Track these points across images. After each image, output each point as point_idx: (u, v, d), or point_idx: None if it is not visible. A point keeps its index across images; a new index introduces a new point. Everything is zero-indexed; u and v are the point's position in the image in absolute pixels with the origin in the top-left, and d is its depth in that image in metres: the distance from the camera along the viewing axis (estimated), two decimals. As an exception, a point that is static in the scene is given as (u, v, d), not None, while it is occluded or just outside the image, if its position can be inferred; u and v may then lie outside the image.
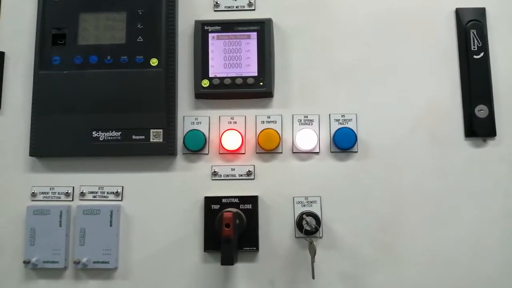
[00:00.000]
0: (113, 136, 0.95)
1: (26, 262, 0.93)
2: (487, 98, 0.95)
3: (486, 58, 0.96)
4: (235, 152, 0.97)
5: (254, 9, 1.01)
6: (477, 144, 0.96)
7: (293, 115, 0.97)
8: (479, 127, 0.94)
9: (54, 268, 0.94)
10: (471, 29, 0.97)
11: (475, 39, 0.97)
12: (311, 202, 0.94)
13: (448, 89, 0.97)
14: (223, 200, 0.94)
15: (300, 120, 0.97)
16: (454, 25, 0.99)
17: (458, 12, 0.99)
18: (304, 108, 0.98)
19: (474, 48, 0.97)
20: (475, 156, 0.95)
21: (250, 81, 0.97)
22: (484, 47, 0.97)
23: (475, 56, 0.96)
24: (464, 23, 0.98)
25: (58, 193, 0.97)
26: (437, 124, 0.96)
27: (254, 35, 0.98)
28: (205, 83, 0.97)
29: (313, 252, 0.89)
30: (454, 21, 0.99)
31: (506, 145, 0.95)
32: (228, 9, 1.01)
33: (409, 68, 0.98)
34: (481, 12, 0.98)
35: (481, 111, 0.95)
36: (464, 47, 0.97)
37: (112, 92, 0.96)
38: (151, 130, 0.95)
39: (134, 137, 0.95)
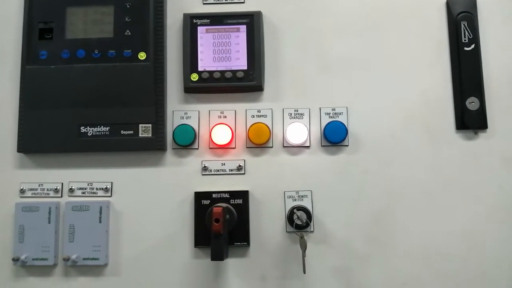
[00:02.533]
0: (101, 131, 0.94)
1: (15, 260, 0.92)
2: (478, 91, 0.95)
3: (477, 50, 0.96)
4: (225, 147, 0.96)
5: (243, 2, 1.00)
6: (468, 137, 0.95)
7: (283, 109, 0.97)
8: (470, 120, 0.94)
9: (44, 265, 0.93)
10: (462, 21, 0.96)
11: (466, 31, 0.96)
12: (302, 196, 0.93)
13: (439, 81, 0.96)
14: (214, 195, 0.93)
15: (291, 114, 0.96)
16: (445, 17, 0.98)
17: (449, 4, 0.98)
18: (294, 102, 0.97)
19: (465, 40, 0.96)
20: (466, 149, 0.94)
21: (240, 74, 0.96)
22: (475, 39, 0.96)
23: (466, 48, 0.96)
24: (455, 15, 0.97)
25: (47, 189, 0.96)
26: (428, 117, 0.95)
27: (243, 28, 0.97)
28: (194, 77, 0.96)
29: (304, 247, 0.88)
30: (445, 13, 0.98)
31: (497, 138, 0.95)
32: (217, 2, 1.00)
33: (400, 60, 0.97)
34: (472, 3, 0.98)
35: (472, 103, 0.94)
36: (455, 39, 0.96)
37: (100, 87, 0.95)
38: (140, 125, 0.94)
39: (122, 132, 0.94)
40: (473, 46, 0.95)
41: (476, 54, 0.95)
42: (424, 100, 0.96)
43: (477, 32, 0.96)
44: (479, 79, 0.95)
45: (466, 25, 0.96)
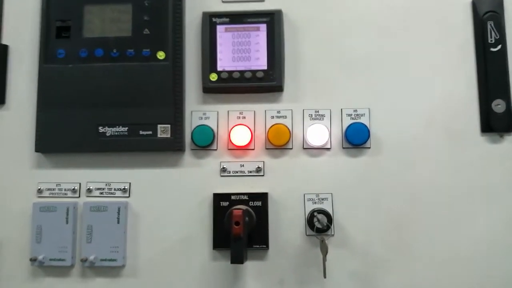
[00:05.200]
0: (120, 132, 0.93)
1: (33, 260, 0.91)
2: (505, 92, 0.92)
3: (503, 50, 0.93)
4: (244, 148, 0.94)
5: (263, 0, 0.98)
6: (493, 140, 0.93)
7: (303, 109, 0.95)
8: (496, 122, 0.92)
9: (61, 266, 0.93)
10: (488, 21, 0.94)
11: (492, 31, 0.93)
12: (322, 199, 0.92)
13: (464, 83, 0.94)
14: (232, 197, 0.92)
15: (311, 115, 0.95)
16: (470, 17, 0.96)
17: (475, 3, 0.95)
18: (315, 103, 0.95)
19: (491, 40, 0.93)
20: (491, 152, 0.92)
21: (260, 74, 0.94)
22: (501, 39, 0.93)
23: (492, 49, 0.93)
24: (480, 15, 0.95)
25: (65, 189, 0.95)
26: (452, 119, 0.93)
27: (263, 27, 0.95)
28: (213, 77, 0.95)
29: (324, 251, 0.87)
30: (471, 13, 0.96)
31: (523, 141, 0.93)
32: (237, 0, 0.98)
33: (424, 61, 0.95)
34: (499, 2, 0.95)
35: (498, 105, 0.92)
36: (481, 40, 0.94)
37: (118, 86, 0.94)
38: (159, 126, 0.93)
39: (141, 132, 0.93)
40: (499, 46, 0.93)
41: (502, 55, 0.93)
42: (448, 102, 0.94)
43: (504, 32, 0.94)
44: (506, 80, 0.93)
45: (492, 25, 0.93)
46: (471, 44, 0.95)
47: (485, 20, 0.94)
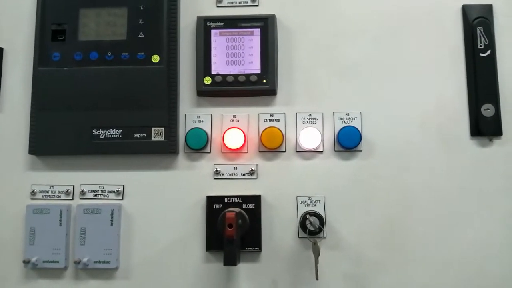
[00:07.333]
0: (114, 134, 0.94)
1: (26, 262, 0.91)
2: (494, 97, 0.94)
3: (493, 56, 0.95)
4: (238, 151, 0.95)
5: (257, 5, 1.00)
6: (483, 144, 0.94)
7: (296, 113, 0.96)
8: (485, 126, 0.93)
9: (54, 268, 0.93)
10: (478, 27, 0.96)
11: (482, 37, 0.95)
12: (314, 202, 0.93)
13: (454, 87, 0.96)
14: (226, 200, 0.93)
15: (304, 118, 0.96)
16: (460, 22, 0.97)
17: (465, 9, 0.97)
18: (307, 106, 0.96)
19: (480, 45, 0.95)
20: (481, 155, 0.94)
21: (253, 78, 0.95)
22: (491, 44, 0.95)
23: (481, 54, 0.95)
24: (470, 20, 0.96)
25: (58, 191, 0.95)
26: (442, 123, 0.95)
27: (257, 31, 0.97)
28: (207, 80, 0.96)
29: (317, 253, 0.88)
30: (461, 18, 0.97)
31: (512, 144, 0.94)
32: (231, 4, 1.00)
33: (414, 66, 0.96)
34: (488, 9, 0.97)
35: (487, 110, 0.94)
36: (471, 45, 0.96)
37: (113, 89, 0.94)
38: (153, 128, 0.94)
39: (135, 135, 0.94)
40: (489, 52, 0.95)
41: (492, 60, 0.95)
42: (438, 106, 0.95)
43: (493, 38, 0.95)
44: (495, 85, 0.94)
45: (482, 30, 0.95)
46: (461, 49, 0.97)
47: (475, 26, 0.96)
